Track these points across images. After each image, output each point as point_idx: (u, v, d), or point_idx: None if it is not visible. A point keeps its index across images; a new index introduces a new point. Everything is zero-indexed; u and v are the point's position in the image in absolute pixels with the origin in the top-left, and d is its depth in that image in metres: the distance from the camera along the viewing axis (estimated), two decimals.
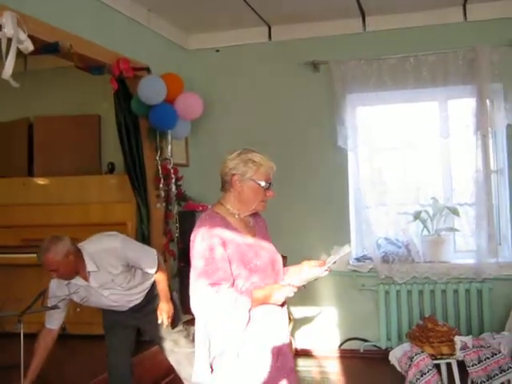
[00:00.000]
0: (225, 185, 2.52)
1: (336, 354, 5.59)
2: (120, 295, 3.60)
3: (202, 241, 2.38)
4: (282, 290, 2.38)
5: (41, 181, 5.66)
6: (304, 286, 2.47)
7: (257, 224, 2.61)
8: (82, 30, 4.12)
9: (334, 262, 2.47)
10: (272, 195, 2.52)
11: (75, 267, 3.37)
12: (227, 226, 2.44)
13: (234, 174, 2.46)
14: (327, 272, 2.47)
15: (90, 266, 3.41)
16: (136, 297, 3.71)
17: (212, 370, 2.39)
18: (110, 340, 3.79)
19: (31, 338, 3.50)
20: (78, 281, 3.45)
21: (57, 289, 3.49)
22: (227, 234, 2.41)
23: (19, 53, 3.42)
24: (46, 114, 6.20)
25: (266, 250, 2.52)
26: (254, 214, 2.60)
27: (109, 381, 3.80)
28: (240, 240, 2.44)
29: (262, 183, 2.46)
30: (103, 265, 3.44)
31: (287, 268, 2.65)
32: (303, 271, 2.51)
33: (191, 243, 2.43)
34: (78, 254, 3.39)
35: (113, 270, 3.47)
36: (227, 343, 2.35)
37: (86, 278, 3.45)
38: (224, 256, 2.36)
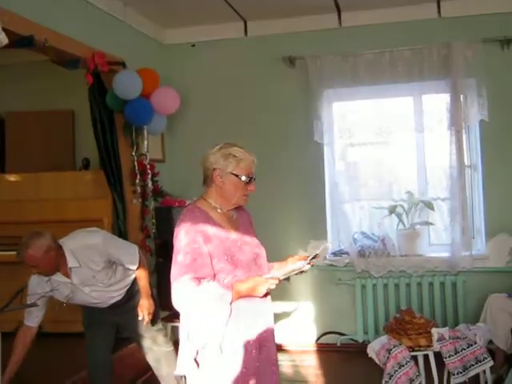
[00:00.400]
0: (206, 180, 2.51)
1: (313, 347, 5.62)
2: (101, 292, 3.56)
3: (184, 236, 2.38)
4: (264, 283, 2.37)
5: (13, 177, 5.55)
6: (288, 279, 2.48)
7: (240, 217, 2.61)
8: (57, 24, 4.05)
9: (314, 257, 2.49)
10: (253, 189, 2.52)
11: (56, 263, 3.33)
12: (209, 220, 2.43)
13: (214, 169, 2.46)
14: (309, 266, 2.48)
15: (71, 262, 3.37)
16: (117, 293, 3.67)
17: (197, 364, 2.38)
18: (90, 337, 3.76)
19: (8, 336, 3.45)
20: (58, 277, 3.41)
21: (37, 285, 3.44)
22: (209, 229, 2.41)
23: None
24: (18, 110, 6.09)
25: (249, 245, 2.53)
26: (238, 208, 2.60)
27: (89, 378, 3.77)
28: (222, 235, 2.43)
29: (243, 177, 2.46)
30: (84, 261, 3.40)
31: (272, 264, 2.65)
32: (286, 266, 2.53)
33: (174, 239, 2.42)
34: (59, 250, 3.35)
35: (94, 267, 3.43)
36: (209, 336, 2.35)
37: (67, 275, 3.42)
38: (206, 251, 2.36)
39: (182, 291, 2.32)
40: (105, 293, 3.59)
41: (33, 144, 5.93)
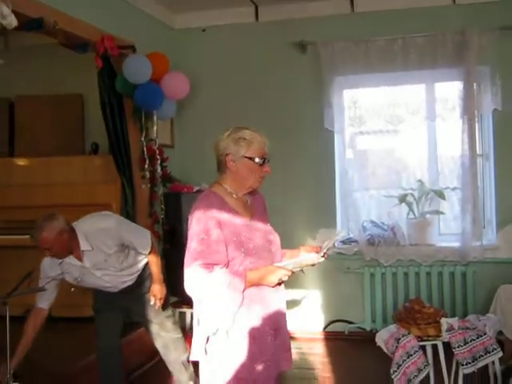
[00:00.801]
0: (220, 166, 2.48)
1: (321, 335, 5.61)
2: (113, 276, 3.57)
3: (198, 222, 2.34)
4: (276, 273, 2.35)
5: (22, 161, 5.54)
6: (302, 270, 2.45)
7: (255, 202, 2.57)
8: (66, 6, 4.01)
9: (329, 248, 2.44)
10: (268, 171, 2.48)
11: (69, 246, 3.34)
12: (224, 206, 2.40)
13: (227, 154, 2.43)
14: (323, 258, 2.44)
15: (83, 245, 3.38)
16: (128, 278, 3.69)
17: (206, 350, 2.37)
18: (99, 322, 3.76)
19: (16, 320, 3.44)
20: (71, 260, 3.42)
21: (49, 268, 3.46)
22: (224, 215, 2.37)
23: (1, 29, 3.33)
24: (27, 93, 6.06)
25: (263, 231, 2.49)
26: (252, 192, 2.56)
27: (98, 363, 3.77)
28: (237, 221, 2.40)
29: (257, 159, 2.42)
30: (97, 244, 3.41)
31: (284, 251, 2.61)
32: (299, 256, 2.50)
33: (188, 225, 2.39)
34: (72, 232, 3.35)
35: (107, 250, 3.44)
36: (221, 323, 2.32)
37: (79, 258, 3.43)
38: (220, 238, 2.32)
39: (193, 278, 2.30)
40: (116, 277, 3.60)
41: (42, 128, 5.90)
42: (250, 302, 2.35)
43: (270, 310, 2.43)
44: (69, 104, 6.07)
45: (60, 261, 3.43)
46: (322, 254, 2.44)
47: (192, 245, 2.33)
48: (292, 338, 5.42)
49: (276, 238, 2.56)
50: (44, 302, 3.52)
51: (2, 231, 4.97)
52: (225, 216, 2.37)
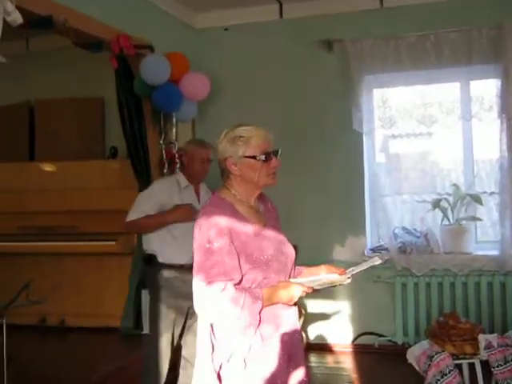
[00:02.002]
0: (223, 172, 2.26)
1: (349, 348, 5.36)
2: None
3: (204, 231, 2.11)
4: (291, 289, 2.11)
5: (40, 166, 5.44)
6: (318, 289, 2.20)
7: (267, 211, 2.34)
8: (77, 3, 3.85)
9: (358, 272, 2.20)
10: (277, 164, 2.23)
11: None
12: (234, 213, 2.16)
13: (226, 158, 2.20)
14: (349, 280, 2.19)
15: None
16: None
17: (220, 379, 2.11)
18: None
19: (29, 329, 3.31)
20: (191, 191, 3.77)
21: (160, 190, 3.74)
22: (233, 222, 2.13)
23: (19, 32, 3.18)
24: (48, 97, 5.97)
25: (275, 242, 2.24)
26: (264, 200, 2.34)
27: None
28: (247, 229, 2.16)
29: (258, 156, 2.18)
30: None
31: (301, 269, 2.36)
32: (320, 275, 2.25)
33: (194, 234, 2.16)
34: None
35: None
36: (234, 348, 2.08)
37: (197, 193, 3.80)
38: (230, 248, 2.08)
39: (203, 296, 2.06)
40: None
41: (62, 132, 5.81)
42: (261, 322, 2.09)
43: (283, 330, 2.18)
44: (90, 107, 5.97)
45: (185, 185, 3.75)
46: (348, 276, 2.19)
47: (198, 257, 2.10)
48: (320, 349, 5.29)
49: (290, 249, 2.30)
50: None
51: (17, 237, 4.84)
52: (235, 223, 2.13)
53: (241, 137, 2.19)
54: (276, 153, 2.23)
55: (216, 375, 2.10)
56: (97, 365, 4.04)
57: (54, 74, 6.04)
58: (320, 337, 5.37)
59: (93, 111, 5.97)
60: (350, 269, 2.23)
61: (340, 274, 2.22)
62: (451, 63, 4.97)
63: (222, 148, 2.22)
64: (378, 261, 2.24)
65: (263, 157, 2.18)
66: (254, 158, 2.18)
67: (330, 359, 5.19)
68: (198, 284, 2.07)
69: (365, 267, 2.23)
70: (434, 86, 5.20)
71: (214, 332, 2.13)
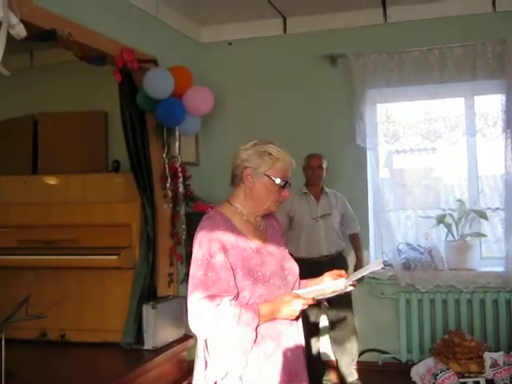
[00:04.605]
0: (235, 179, 2.23)
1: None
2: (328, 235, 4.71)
3: (200, 246, 2.09)
4: (292, 304, 2.05)
5: (43, 179, 5.40)
6: (325, 303, 2.15)
7: (270, 228, 2.30)
8: (81, 17, 3.86)
9: (361, 277, 2.15)
10: (288, 195, 2.22)
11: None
12: (231, 228, 2.13)
13: (246, 167, 2.17)
14: (352, 287, 2.15)
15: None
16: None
17: None
18: None
19: (30, 344, 3.26)
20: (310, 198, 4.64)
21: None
22: (229, 237, 2.11)
23: (23, 46, 3.17)
24: (52, 111, 5.97)
25: (276, 258, 2.20)
26: (268, 216, 2.31)
27: None
28: (244, 245, 2.13)
29: (278, 180, 2.16)
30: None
31: (306, 281, 2.32)
32: (323, 283, 2.20)
33: (193, 248, 2.14)
34: None
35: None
36: (230, 366, 2.04)
37: (317, 198, 4.69)
38: (225, 264, 2.05)
39: (198, 312, 2.03)
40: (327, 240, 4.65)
41: (66, 145, 5.77)
42: (261, 338, 2.06)
43: (286, 346, 2.13)
44: (93, 121, 5.95)
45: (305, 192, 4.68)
46: (351, 282, 2.14)
47: (194, 272, 2.07)
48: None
49: (292, 265, 2.26)
50: None
51: (18, 251, 4.79)
52: (231, 239, 2.10)
53: (270, 154, 2.17)
54: (289, 184, 2.21)
55: None
56: (97, 380, 3.97)
57: (57, 88, 6.04)
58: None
59: (96, 125, 5.94)
60: (352, 275, 2.20)
61: (344, 277, 2.18)
62: (455, 78, 4.95)
63: (245, 156, 2.19)
64: (380, 265, 2.19)
65: (282, 183, 2.17)
66: (272, 179, 2.16)
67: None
68: (192, 299, 2.05)
69: (366, 272, 2.21)
70: (438, 101, 5.16)
71: (208, 348, 2.09)
